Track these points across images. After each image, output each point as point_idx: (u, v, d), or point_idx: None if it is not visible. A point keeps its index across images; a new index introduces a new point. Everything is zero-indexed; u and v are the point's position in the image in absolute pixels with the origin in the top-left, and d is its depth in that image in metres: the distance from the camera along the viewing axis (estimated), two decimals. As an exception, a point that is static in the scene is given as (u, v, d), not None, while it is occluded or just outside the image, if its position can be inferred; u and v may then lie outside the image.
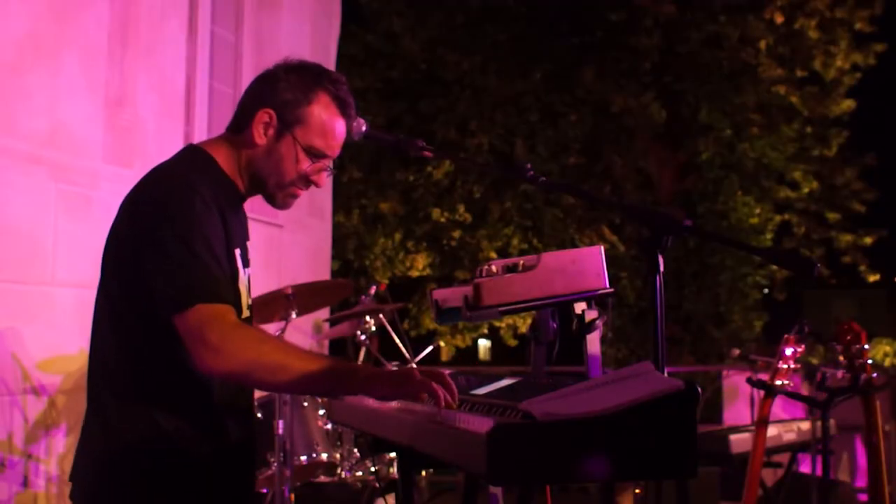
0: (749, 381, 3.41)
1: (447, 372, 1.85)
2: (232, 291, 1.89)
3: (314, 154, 2.00)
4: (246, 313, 2.01)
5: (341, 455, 3.96)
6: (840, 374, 3.06)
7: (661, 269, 1.75)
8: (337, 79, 2.03)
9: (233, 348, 1.77)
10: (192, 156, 2.02)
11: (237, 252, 1.96)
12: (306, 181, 2.02)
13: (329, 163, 2.03)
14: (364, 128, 2.02)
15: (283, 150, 1.99)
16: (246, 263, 2.03)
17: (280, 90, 1.98)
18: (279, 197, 2.04)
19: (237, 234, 1.98)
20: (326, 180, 2.08)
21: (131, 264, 1.86)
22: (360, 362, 4.19)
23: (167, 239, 1.82)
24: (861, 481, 5.57)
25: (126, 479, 1.89)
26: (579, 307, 2.04)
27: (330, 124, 2.00)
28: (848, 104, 12.63)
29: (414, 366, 4.73)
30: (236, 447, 2.01)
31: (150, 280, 1.82)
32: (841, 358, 2.98)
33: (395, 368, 4.32)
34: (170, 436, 1.88)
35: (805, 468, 4.45)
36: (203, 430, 1.93)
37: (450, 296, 2.14)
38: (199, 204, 1.85)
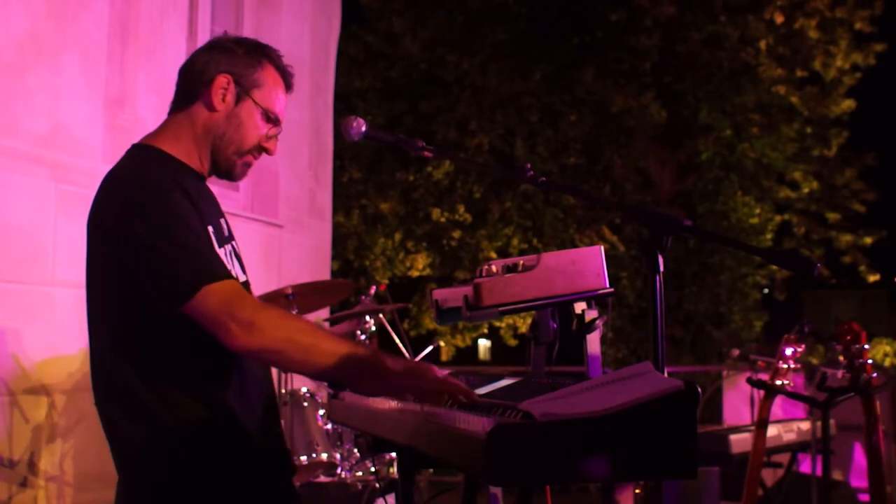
0: (749, 381, 3.41)
1: (447, 372, 1.85)
2: (223, 264, 1.87)
3: (271, 119, 2.03)
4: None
5: (341, 455, 3.96)
6: (840, 374, 3.06)
7: (661, 269, 1.75)
8: (276, 52, 2.08)
9: (267, 325, 1.76)
10: (136, 154, 2.00)
11: (210, 230, 1.94)
12: (260, 148, 2.04)
13: (278, 132, 2.06)
14: (364, 128, 2.00)
15: (242, 115, 2.00)
16: (225, 239, 2.00)
17: (231, 57, 2.00)
18: (238, 165, 2.04)
19: (208, 211, 1.96)
20: (275, 147, 2.08)
21: (116, 274, 1.85)
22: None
23: (146, 235, 1.80)
24: (861, 481, 5.56)
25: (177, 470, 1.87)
26: (579, 307, 2.03)
27: (279, 91, 2.05)
28: (848, 104, 12.63)
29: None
30: (263, 426, 1.98)
31: (144, 281, 1.81)
32: (841, 358, 2.98)
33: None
34: (190, 429, 1.86)
35: (805, 468, 4.45)
36: (228, 417, 1.90)
37: (450, 296, 2.14)
38: (162, 193, 1.84)
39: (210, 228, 1.93)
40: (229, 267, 1.92)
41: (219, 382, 1.90)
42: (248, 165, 2.06)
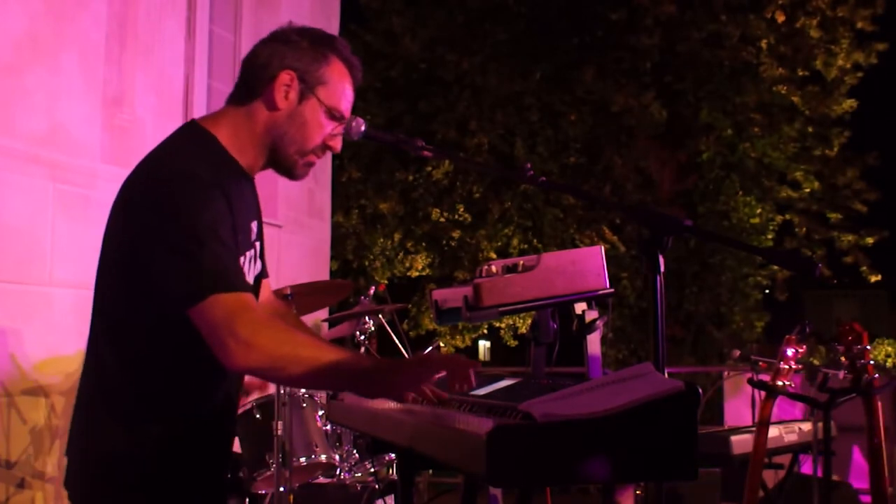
0: (750, 381, 3.40)
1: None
2: (243, 276, 1.84)
3: (335, 117, 1.93)
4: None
5: (340, 456, 3.95)
6: (841, 374, 3.05)
7: (662, 269, 1.73)
8: (343, 43, 1.98)
9: (265, 343, 1.71)
10: (190, 135, 1.93)
11: (240, 235, 1.89)
12: (324, 147, 1.96)
13: (342, 128, 1.97)
14: (363, 127, 1.98)
15: (306, 114, 1.90)
16: (247, 246, 1.95)
17: (296, 52, 1.91)
18: (300, 165, 1.95)
19: (242, 212, 1.91)
20: (340, 144, 1.99)
21: (133, 264, 1.80)
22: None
23: (171, 232, 1.75)
24: (862, 482, 5.55)
25: (121, 483, 1.87)
26: (579, 307, 2.03)
27: (345, 86, 1.95)
28: (849, 104, 12.62)
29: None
30: (224, 443, 2.02)
31: (159, 277, 1.76)
32: (842, 359, 2.97)
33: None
34: (165, 439, 1.86)
35: (806, 469, 4.44)
36: (198, 432, 1.91)
37: (450, 296, 2.13)
38: (199, 189, 1.78)
39: (240, 234, 1.88)
40: (247, 270, 1.89)
41: (201, 398, 1.90)
42: (311, 165, 1.97)
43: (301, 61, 1.90)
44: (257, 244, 2.01)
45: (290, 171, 1.97)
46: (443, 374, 1.76)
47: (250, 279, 1.96)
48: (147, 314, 1.82)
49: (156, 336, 1.84)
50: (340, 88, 1.94)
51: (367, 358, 1.82)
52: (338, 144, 1.97)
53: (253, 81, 1.92)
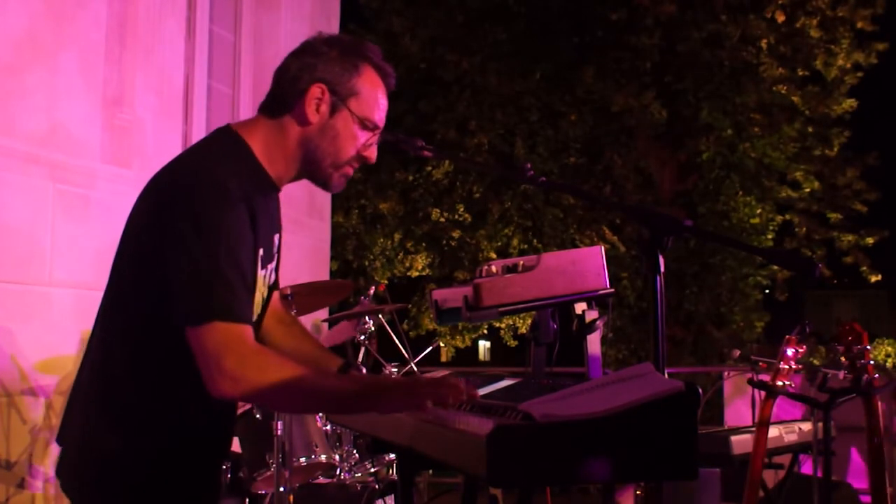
0: (750, 381, 3.40)
1: (446, 373, 1.84)
2: (249, 307, 1.83)
3: (369, 127, 1.92)
4: (258, 311, 1.96)
5: (340, 456, 3.95)
6: (842, 374, 3.05)
7: (662, 269, 1.73)
8: (374, 49, 1.97)
9: (251, 376, 1.71)
10: (225, 141, 1.92)
11: (261, 252, 1.89)
12: (359, 157, 1.95)
13: (377, 137, 1.96)
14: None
15: (339, 126, 1.90)
16: (269, 259, 1.95)
17: (329, 63, 1.89)
18: (335, 178, 1.95)
19: (265, 229, 1.91)
20: (375, 154, 1.98)
21: (152, 260, 1.79)
22: (359, 362, 4.18)
23: (191, 245, 1.74)
24: (862, 482, 5.55)
25: (121, 486, 1.86)
26: (579, 307, 2.03)
27: (378, 95, 1.93)
28: (849, 103, 12.61)
29: (415, 368, 4.73)
30: (223, 447, 2.02)
31: (170, 283, 1.76)
32: (842, 359, 2.97)
33: (397, 375, 4.30)
34: (166, 441, 1.87)
35: (806, 469, 4.44)
36: (198, 436, 1.91)
37: (450, 296, 2.13)
38: (227, 206, 1.77)
39: (261, 251, 1.88)
40: (265, 282, 1.91)
41: (204, 402, 1.86)
42: (346, 176, 1.97)
43: (332, 73, 1.89)
44: (276, 259, 2.02)
45: (325, 183, 1.98)
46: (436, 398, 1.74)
47: (266, 290, 1.97)
48: (158, 310, 1.81)
49: (171, 338, 1.82)
50: (373, 98, 1.92)
51: (359, 381, 1.81)
52: (373, 154, 1.96)
53: (284, 96, 1.91)
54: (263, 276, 1.93)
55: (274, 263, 2.01)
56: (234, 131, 1.93)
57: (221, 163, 1.85)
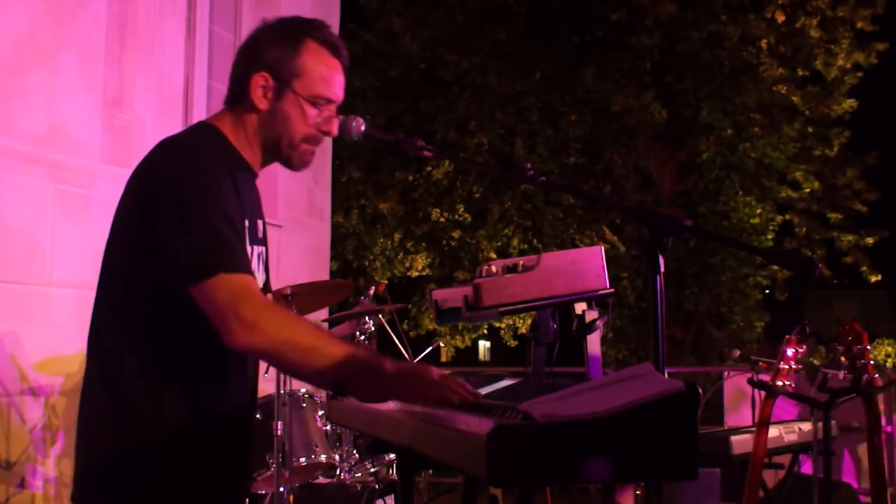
0: (750, 381, 3.40)
1: (446, 373, 1.83)
2: (247, 257, 1.85)
3: (318, 103, 1.95)
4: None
5: (340, 456, 3.95)
6: (842, 375, 3.05)
7: (662, 269, 1.73)
8: (320, 24, 1.99)
9: (268, 325, 1.72)
10: (199, 128, 1.99)
11: (246, 224, 1.91)
12: (319, 133, 1.97)
13: (335, 108, 1.98)
14: (363, 127, 1.98)
15: (287, 109, 1.94)
16: (255, 239, 1.96)
17: (267, 50, 1.94)
18: (295, 157, 1.99)
19: (249, 205, 1.94)
20: (336, 126, 1.99)
21: (142, 238, 1.81)
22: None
23: (182, 207, 1.77)
24: (854, 483, 5.55)
25: (121, 487, 1.85)
26: (579, 307, 2.02)
27: (326, 69, 1.95)
28: (849, 103, 12.61)
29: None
30: (237, 450, 1.99)
31: (167, 251, 1.77)
32: (842, 359, 2.96)
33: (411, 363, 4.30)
34: (177, 427, 1.85)
35: (807, 469, 4.44)
36: (202, 436, 1.89)
37: (450, 296, 2.13)
38: (211, 171, 1.82)
39: (246, 223, 1.90)
40: (255, 268, 1.90)
41: (212, 387, 1.89)
42: (309, 153, 2.00)
43: (272, 58, 1.93)
44: (263, 249, 2.02)
45: (287, 163, 2.02)
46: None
47: (262, 276, 1.96)
48: (166, 295, 1.81)
49: (170, 336, 1.83)
50: (318, 73, 1.94)
51: (373, 357, 1.80)
52: (333, 128, 1.98)
53: (235, 88, 1.98)
54: (253, 256, 1.93)
55: (263, 250, 2.01)
56: (207, 122, 2.01)
57: (199, 142, 1.92)
